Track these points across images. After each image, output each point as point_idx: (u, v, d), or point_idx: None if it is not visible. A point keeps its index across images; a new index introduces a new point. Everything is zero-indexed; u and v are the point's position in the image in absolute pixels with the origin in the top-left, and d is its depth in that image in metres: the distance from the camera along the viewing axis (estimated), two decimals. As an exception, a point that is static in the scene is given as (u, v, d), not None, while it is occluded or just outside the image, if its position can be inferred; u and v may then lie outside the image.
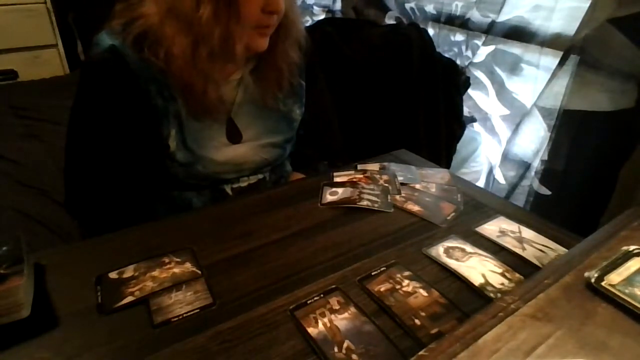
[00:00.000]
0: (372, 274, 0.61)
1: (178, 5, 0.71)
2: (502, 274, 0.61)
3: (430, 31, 1.55)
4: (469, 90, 1.49)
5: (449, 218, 0.74)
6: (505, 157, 1.35)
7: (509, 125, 1.41)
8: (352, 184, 0.84)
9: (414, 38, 1.46)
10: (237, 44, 0.74)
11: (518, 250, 0.66)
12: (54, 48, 2.17)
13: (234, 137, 0.86)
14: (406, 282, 0.59)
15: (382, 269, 0.62)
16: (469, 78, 1.47)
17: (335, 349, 0.49)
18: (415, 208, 0.77)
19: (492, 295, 0.57)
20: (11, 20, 2.01)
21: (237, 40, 0.73)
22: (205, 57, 0.73)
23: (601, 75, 1.02)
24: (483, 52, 1.43)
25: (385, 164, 0.91)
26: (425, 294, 0.57)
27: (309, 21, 2.10)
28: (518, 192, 1.31)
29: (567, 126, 1.10)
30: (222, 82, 0.81)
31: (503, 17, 1.32)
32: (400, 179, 0.85)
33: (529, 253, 0.65)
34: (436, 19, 1.58)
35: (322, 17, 2.12)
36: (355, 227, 0.72)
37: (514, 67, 1.35)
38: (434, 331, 0.52)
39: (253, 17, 0.73)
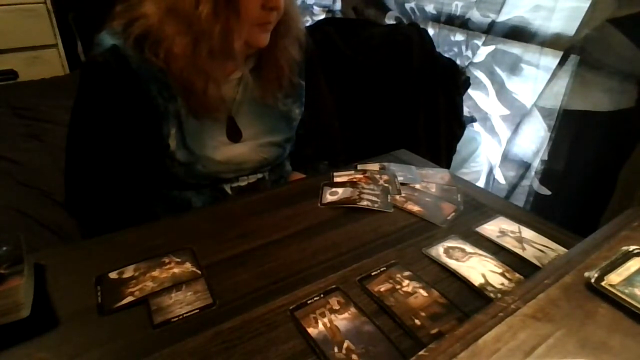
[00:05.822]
0: (372, 274, 0.61)
1: (178, 4, 0.71)
2: (502, 274, 0.61)
3: (430, 31, 1.55)
4: (469, 90, 1.49)
5: (449, 218, 0.74)
6: (505, 157, 1.35)
7: (509, 125, 1.41)
8: (352, 184, 0.84)
9: (414, 38, 1.45)
10: (237, 41, 0.74)
11: (518, 251, 0.66)
12: (54, 48, 2.17)
13: (234, 135, 0.86)
14: (406, 282, 0.59)
15: (382, 269, 0.62)
16: (469, 78, 1.47)
17: (335, 349, 0.49)
18: (415, 208, 0.77)
19: (492, 295, 0.57)
20: (11, 20, 2.01)
21: (237, 38, 0.73)
22: (206, 55, 0.73)
23: (601, 75, 1.02)
24: (483, 52, 1.43)
25: (385, 164, 0.91)
26: (425, 294, 0.57)
27: (309, 21, 2.10)
28: (518, 192, 1.31)
29: (567, 126, 1.10)
30: (222, 80, 0.81)
31: (503, 17, 1.32)
32: (400, 179, 0.85)
33: (529, 253, 0.65)
34: (436, 19, 1.58)
35: (322, 17, 2.12)
36: (355, 227, 0.72)
37: (514, 67, 1.35)
38: (434, 331, 0.52)
39: (253, 13, 0.73)
